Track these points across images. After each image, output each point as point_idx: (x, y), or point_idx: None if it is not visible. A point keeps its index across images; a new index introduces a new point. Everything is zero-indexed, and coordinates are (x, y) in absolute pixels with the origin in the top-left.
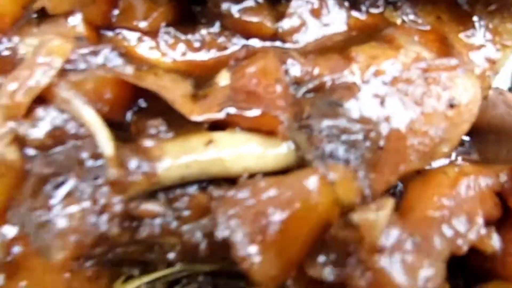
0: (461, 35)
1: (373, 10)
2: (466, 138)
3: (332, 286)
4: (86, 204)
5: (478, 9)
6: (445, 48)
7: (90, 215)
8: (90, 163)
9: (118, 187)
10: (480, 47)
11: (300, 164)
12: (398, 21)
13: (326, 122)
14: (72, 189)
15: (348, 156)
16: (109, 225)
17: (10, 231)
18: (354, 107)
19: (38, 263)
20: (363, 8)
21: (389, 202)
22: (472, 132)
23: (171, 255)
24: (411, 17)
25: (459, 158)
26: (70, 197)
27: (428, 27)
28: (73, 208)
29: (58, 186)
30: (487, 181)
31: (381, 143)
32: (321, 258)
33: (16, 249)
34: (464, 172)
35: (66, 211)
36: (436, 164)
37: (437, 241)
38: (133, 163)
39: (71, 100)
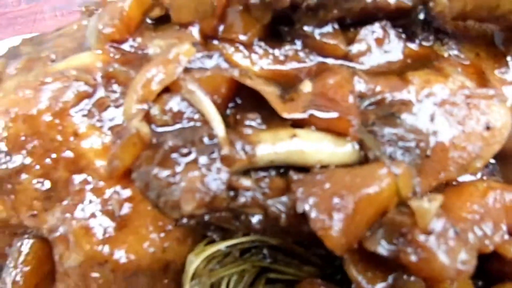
0: (496, 71)
1: (425, 43)
2: (493, 160)
3: (383, 260)
4: (204, 171)
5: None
6: (482, 81)
7: (207, 180)
8: (207, 140)
9: (227, 162)
10: None
11: (362, 162)
12: (445, 55)
13: (387, 129)
14: (193, 159)
15: (404, 159)
16: (220, 189)
17: (125, 192)
18: (409, 120)
19: (142, 222)
20: (417, 41)
21: (439, 197)
22: (498, 156)
23: (255, 223)
24: (455, 52)
25: (484, 178)
26: (192, 165)
27: (468, 62)
28: (195, 173)
29: (183, 155)
30: (511, 197)
31: (428, 152)
32: (379, 235)
33: (128, 208)
34: (492, 186)
35: (190, 175)
36: (467, 178)
37: (471, 236)
38: (238, 145)
39: (195, 92)
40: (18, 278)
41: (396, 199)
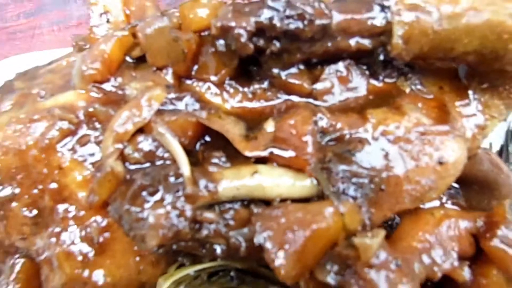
0: (458, 104)
1: (388, 80)
2: (456, 185)
3: None
4: (169, 208)
5: (473, 85)
6: (443, 114)
7: (171, 216)
8: (173, 180)
9: (191, 199)
10: (473, 115)
11: (319, 196)
12: (407, 90)
13: (342, 167)
14: (160, 198)
15: (356, 194)
16: (182, 225)
17: (103, 221)
18: (364, 157)
19: (119, 248)
20: (380, 77)
21: (381, 233)
22: (461, 181)
23: (218, 252)
24: (419, 86)
25: (449, 201)
26: (158, 203)
27: (431, 96)
28: (161, 211)
29: (151, 194)
30: (465, 224)
31: (383, 186)
32: (328, 267)
33: (106, 235)
34: (448, 215)
35: (156, 212)
36: (428, 204)
37: (416, 266)
38: (202, 183)
39: (164, 134)
40: None
41: (343, 234)
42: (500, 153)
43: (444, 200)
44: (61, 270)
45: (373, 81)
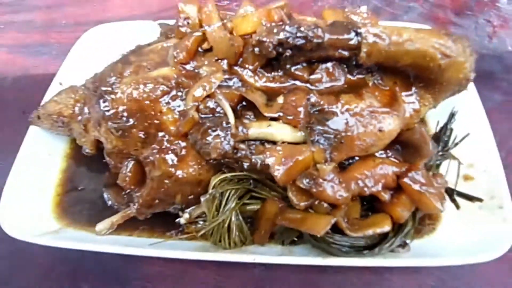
0: (404, 94)
1: (359, 76)
2: (398, 146)
3: (305, 190)
4: (222, 139)
5: (415, 83)
6: (392, 100)
7: (223, 144)
8: (224, 124)
9: (233, 136)
10: (412, 102)
11: (303, 142)
12: (371, 83)
13: (319, 127)
14: (217, 134)
15: (324, 143)
16: (228, 148)
17: (183, 144)
18: (333, 123)
19: (190, 160)
20: (354, 74)
21: (332, 164)
22: (401, 143)
23: (245, 167)
24: (380, 81)
25: (392, 155)
26: (216, 136)
27: (387, 88)
28: (218, 140)
29: (213, 130)
30: (393, 169)
31: (342, 141)
32: (302, 178)
33: (183, 152)
34: (384, 162)
35: (215, 140)
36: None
37: (352, 185)
38: (240, 128)
39: (222, 100)
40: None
41: (313, 163)
42: (441, 128)
43: (389, 154)
44: (159, 167)
45: (349, 76)
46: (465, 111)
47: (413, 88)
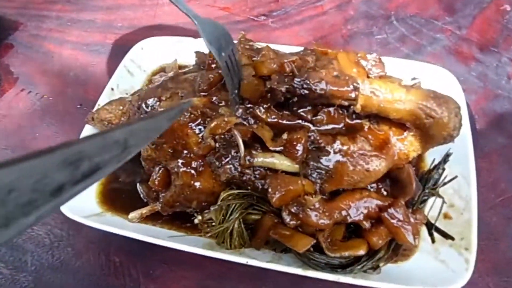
0: (395, 138)
1: (357, 120)
2: (388, 181)
3: (293, 215)
4: (231, 165)
5: (408, 130)
6: (384, 144)
7: (232, 169)
8: (235, 154)
9: (242, 165)
10: (404, 146)
11: (298, 174)
12: (366, 127)
13: (312, 163)
14: (228, 160)
15: (316, 177)
16: (236, 173)
17: (202, 162)
18: (326, 160)
19: (207, 175)
20: (353, 117)
21: (318, 196)
22: (391, 179)
23: (249, 187)
24: (375, 125)
25: (382, 188)
26: (227, 162)
27: (382, 132)
28: (228, 166)
29: (226, 157)
30: (377, 202)
31: (333, 176)
32: (292, 205)
33: (202, 168)
34: (369, 195)
35: (226, 166)
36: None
37: (336, 214)
38: (247, 157)
39: (236, 135)
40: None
41: (303, 193)
42: (435, 166)
43: (379, 185)
44: (181, 178)
45: (348, 120)
46: (459, 154)
47: (405, 133)
